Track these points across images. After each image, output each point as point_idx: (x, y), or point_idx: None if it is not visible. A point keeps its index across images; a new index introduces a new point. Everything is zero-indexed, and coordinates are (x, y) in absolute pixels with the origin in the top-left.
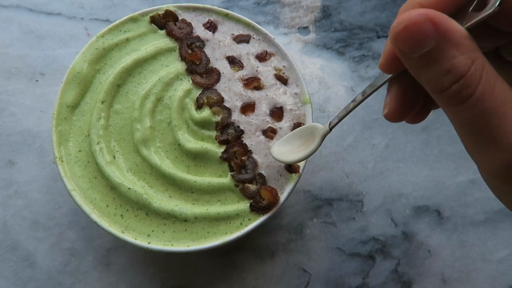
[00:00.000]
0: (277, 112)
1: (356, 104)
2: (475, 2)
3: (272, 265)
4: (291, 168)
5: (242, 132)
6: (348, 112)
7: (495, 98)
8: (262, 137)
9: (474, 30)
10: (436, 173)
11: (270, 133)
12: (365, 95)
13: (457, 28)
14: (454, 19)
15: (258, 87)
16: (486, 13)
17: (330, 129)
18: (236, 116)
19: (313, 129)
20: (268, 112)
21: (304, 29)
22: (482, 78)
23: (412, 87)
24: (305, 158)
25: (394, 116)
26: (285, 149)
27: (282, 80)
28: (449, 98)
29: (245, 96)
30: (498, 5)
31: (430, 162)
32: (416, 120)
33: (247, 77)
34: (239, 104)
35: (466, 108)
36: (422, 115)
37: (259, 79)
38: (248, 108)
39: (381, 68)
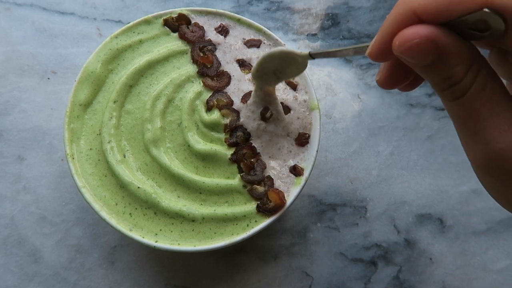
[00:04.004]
0: (283, 109)
1: (342, 53)
2: (474, 20)
3: (275, 267)
4: (295, 171)
5: (250, 134)
6: (331, 55)
7: (483, 97)
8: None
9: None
10: (439, 182)
11: None
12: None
13: (454, 41)
14: (455, 29)
15: None
16: (488, 38)
17: (313, 58)
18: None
19: (290, 56)
20: None
21: (312, 36)
22: (475, 81)
23: None
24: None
25: (385, 84)
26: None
27: (291, 85)
28: (446, 96)
29: None
30: (496, 36)
31: (433, 170)
32: (407, 89)
33: None
34: None
35: (457, 104)
36: (413, 85)
37: None
38: None
39: (370, 56)
